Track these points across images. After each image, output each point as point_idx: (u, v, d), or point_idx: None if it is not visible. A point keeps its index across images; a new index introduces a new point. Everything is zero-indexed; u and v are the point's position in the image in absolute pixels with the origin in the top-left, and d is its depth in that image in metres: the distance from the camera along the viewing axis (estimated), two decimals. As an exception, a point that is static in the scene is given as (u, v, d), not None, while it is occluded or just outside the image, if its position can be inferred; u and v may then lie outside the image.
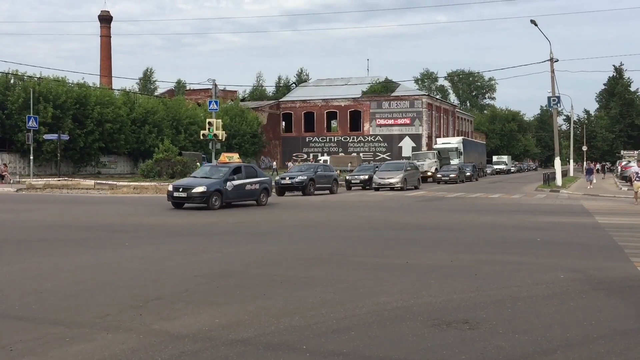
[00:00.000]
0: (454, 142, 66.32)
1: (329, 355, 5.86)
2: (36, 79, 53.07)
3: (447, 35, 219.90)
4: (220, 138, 40.37)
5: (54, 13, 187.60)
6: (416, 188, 40.38)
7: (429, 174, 53.21)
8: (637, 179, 26.60)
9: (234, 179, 24.80)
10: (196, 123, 63.76)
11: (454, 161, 59.94)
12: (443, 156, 59.00)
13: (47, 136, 46.72)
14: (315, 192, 34.64)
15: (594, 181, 43.77)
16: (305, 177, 34.03)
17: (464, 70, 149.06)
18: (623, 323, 7.05)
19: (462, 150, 64.32)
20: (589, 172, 43.51)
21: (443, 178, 50.37)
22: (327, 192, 35.63)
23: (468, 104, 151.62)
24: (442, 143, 66.37)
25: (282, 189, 34.18)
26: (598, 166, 65.71)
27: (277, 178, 35.15)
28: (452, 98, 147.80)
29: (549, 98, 44.39)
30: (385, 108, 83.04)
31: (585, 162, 70.56)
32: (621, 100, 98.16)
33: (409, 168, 41.07)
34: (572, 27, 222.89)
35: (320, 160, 60.97)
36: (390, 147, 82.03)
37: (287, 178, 34.54)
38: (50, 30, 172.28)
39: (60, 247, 13.17)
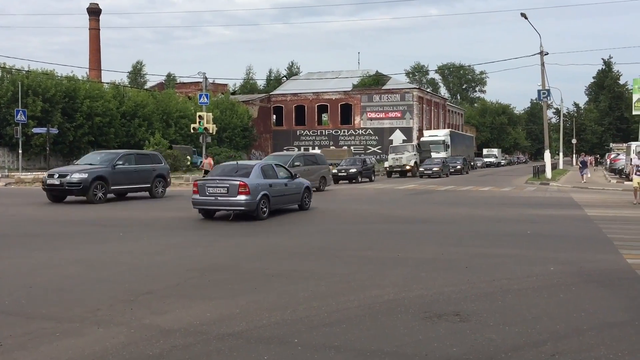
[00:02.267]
0: (441, 134, 66.21)
1: (321, 348, 5.87)
2: (24, 72, 52.70)
3: (439, 29, 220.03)
4: (210, 131, 40.25)
5: (43, 6, 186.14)
6: (318, 190, 30.32)
7: (408, 167, 49.97)
8: (638, 173, 24.03)
9: None
10: (186, 116, 63.50)
11: (441, 154, 59.23)
12: (423, 149, 56.50)
13: (35, 130, 46.44)
14: (117, 196, 25.28)
15: (589, 175, 41.60)
16: (86, 175, 23.06)
17: (454, 63, 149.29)
18: (612, 315, 7.11)
19: (449, 143, 64.25)
20: (584, 164, 41.92)
21: (425, 172, 47.41)
22: (147, 194, 26.01)
23: (459, 97, 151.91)
24: (430, 136, 66.15)
25: (51, 193, 23.45)
26: (589, 158, 65.52)
27: (45, 175, 24.54)
28: (443, 91, 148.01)
29: (539, 91, 44.53)
30: (376, 101, 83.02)
31: (579, 155, 70.01)
32: (610, 93, 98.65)
33: (297, 163, 29.75)
34: (562, 20, 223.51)
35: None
36: (381, 140, 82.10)
37: (57, 175, 23.38)
38: (39, 23, 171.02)
39: (50, 242, 13.12)
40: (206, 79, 44.13)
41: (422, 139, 66.42)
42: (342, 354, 5.72)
